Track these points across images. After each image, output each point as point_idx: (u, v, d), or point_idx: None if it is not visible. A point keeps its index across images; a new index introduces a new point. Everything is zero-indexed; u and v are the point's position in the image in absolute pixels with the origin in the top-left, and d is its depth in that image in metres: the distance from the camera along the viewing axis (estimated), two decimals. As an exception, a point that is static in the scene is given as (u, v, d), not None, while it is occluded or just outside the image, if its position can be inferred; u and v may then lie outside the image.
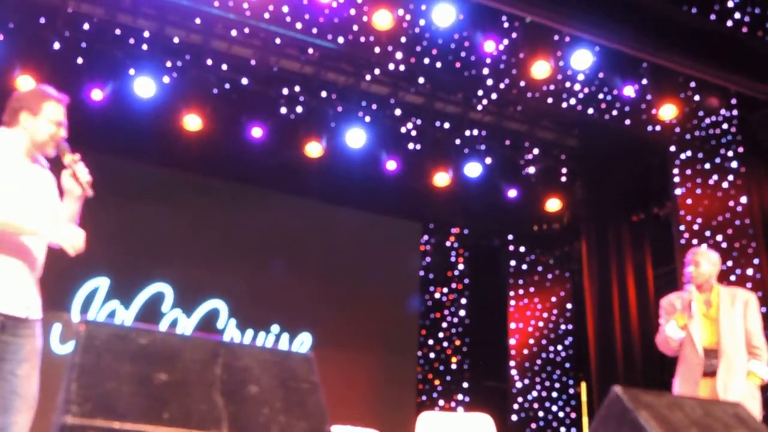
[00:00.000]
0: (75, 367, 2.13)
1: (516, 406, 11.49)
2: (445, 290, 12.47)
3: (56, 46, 8.65)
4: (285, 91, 9.80)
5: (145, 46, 9.09)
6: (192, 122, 9.30)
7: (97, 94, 8.78)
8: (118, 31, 8.98)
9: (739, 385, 5.76)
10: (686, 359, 5.97)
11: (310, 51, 9.53)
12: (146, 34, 9.10)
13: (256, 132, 9.65)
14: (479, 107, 10.58)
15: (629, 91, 9.44)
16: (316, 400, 2.45)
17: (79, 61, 8.85)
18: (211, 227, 10.28)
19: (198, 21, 9.05)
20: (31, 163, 4.14)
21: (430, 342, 12.12)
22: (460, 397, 11.88)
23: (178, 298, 9.99)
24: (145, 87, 8.95)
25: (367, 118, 10.12)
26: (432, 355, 12.06)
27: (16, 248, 3.96)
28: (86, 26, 8.87)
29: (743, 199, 8.96)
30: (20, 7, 8.49)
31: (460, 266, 12.64)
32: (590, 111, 9.47)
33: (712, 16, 8.75)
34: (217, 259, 10.19)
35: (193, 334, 8.32)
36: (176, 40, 9.26)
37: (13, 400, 3.87)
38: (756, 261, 8.70)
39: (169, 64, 9.16)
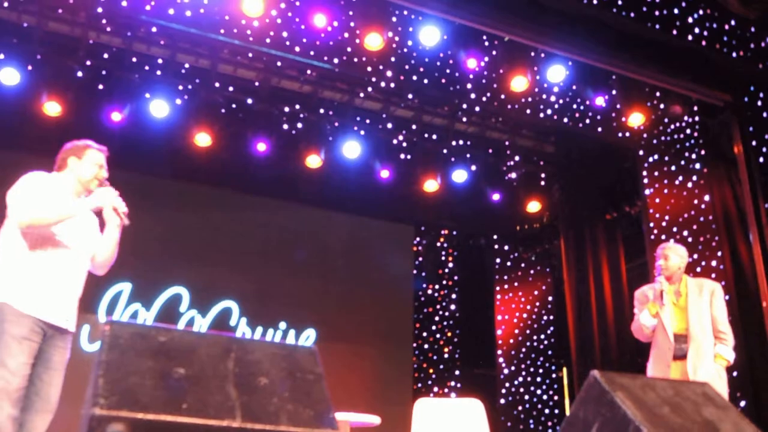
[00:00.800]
0: (101, 363, 2.14)
1: (504, 391, 11.47)
2: (437, 287, 12.48)
3: (79, 74, 8.68)
4: (286, 109, 9.82)
5: (158, 72, 9.11)
6: (202, 139, 9.31)
7: (116, 116, 8.81)
8: (134, 59, 9.01)
9: (707, 367, 5.77)
10: (658, 344, 5.98)
11: (309, 72, 9.55)
12: (160, 60, 9.14)
13: (261, 146, 9.65)
14: (464, 119, 10.61)
15: (600, 101, 9.44)
16: (321, 390, 2.45)
17: (100, 86, 8.91)
18: (223, 234, 10.28)
19: (206, 48, 9.10)
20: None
21: (424, 334, 12.11)
22: (452, 383, 11.87)
23: (194, 300, 9.98)
24: (159, 108, 8.99)
25: (362, 132, 10.13)
26: (426, 346, 12.05)
27: (62, 265, 4.16)
28: (106, 55, 8.93)
29: (706, 198, 8.95)
30: (46, 39, 8.53)
31: (450, 264, 12.64)
32: (565, 120, 9.46)
33: (674, 32, 8.75)
34: (229, 263, 10.18)
35: (207, 331, 8.33)
36: (187, 65, 9.29)
37: (35, 401, 4.01)
38: (719, 253, 8.70)
39: (180, 87, 9.18)
